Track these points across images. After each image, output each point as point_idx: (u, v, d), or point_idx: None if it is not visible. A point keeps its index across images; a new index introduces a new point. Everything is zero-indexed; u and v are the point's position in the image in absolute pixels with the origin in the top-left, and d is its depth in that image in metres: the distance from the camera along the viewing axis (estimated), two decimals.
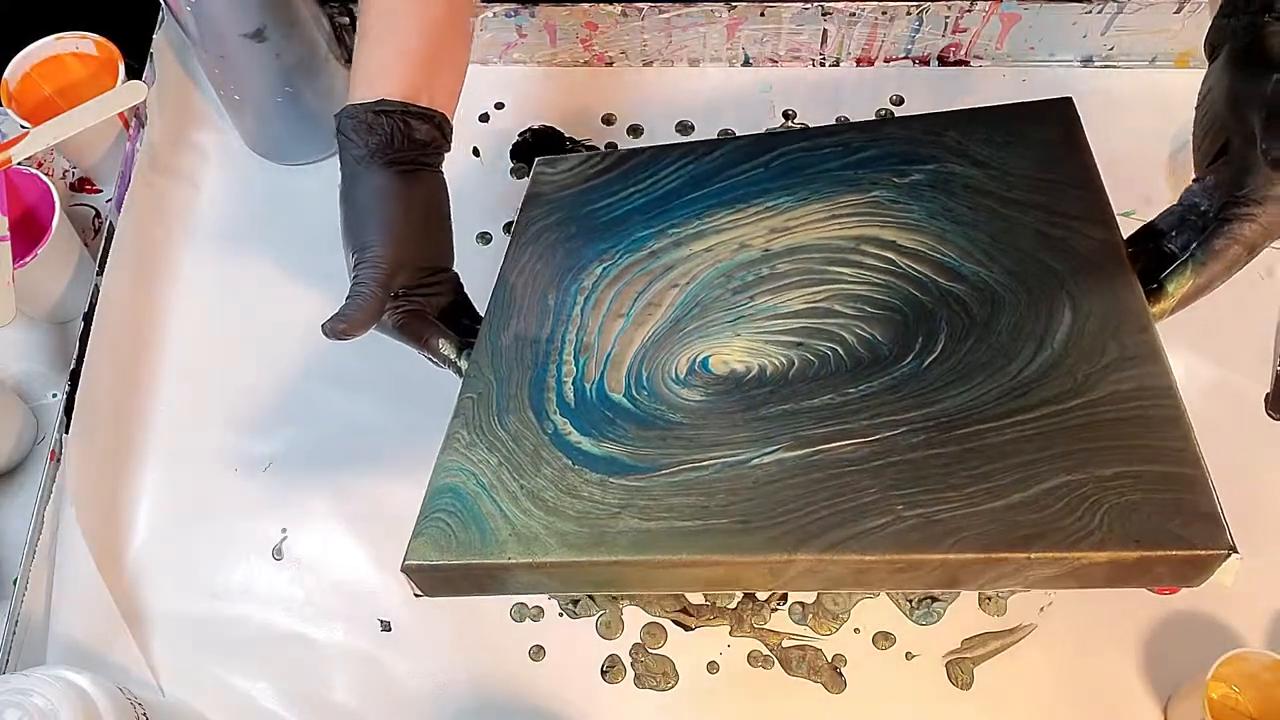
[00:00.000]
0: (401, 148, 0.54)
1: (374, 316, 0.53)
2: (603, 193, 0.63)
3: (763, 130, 0.76)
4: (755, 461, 0.46)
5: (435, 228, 0.57)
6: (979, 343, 0.48)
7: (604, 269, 0.58)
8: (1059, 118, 0.58)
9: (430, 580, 0.48)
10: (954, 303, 0.50)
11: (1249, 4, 0.49)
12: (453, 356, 0.57)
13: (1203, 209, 0.50)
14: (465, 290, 0.59)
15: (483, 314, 0.59)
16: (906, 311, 0.51)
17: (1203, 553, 0.40)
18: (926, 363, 0.48)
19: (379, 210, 0.54)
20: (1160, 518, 0.41)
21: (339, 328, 0.52)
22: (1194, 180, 0.52)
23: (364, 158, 0.54)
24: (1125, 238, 0.53)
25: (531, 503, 0.48)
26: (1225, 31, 0.50)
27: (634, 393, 0.51)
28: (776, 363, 0.50)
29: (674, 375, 0.51)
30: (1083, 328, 0.48)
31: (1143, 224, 0.53)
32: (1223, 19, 0.51)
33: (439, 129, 0.56)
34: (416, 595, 0.49)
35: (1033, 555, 0.41)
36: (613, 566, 0.45)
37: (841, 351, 0.50)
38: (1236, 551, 0.40)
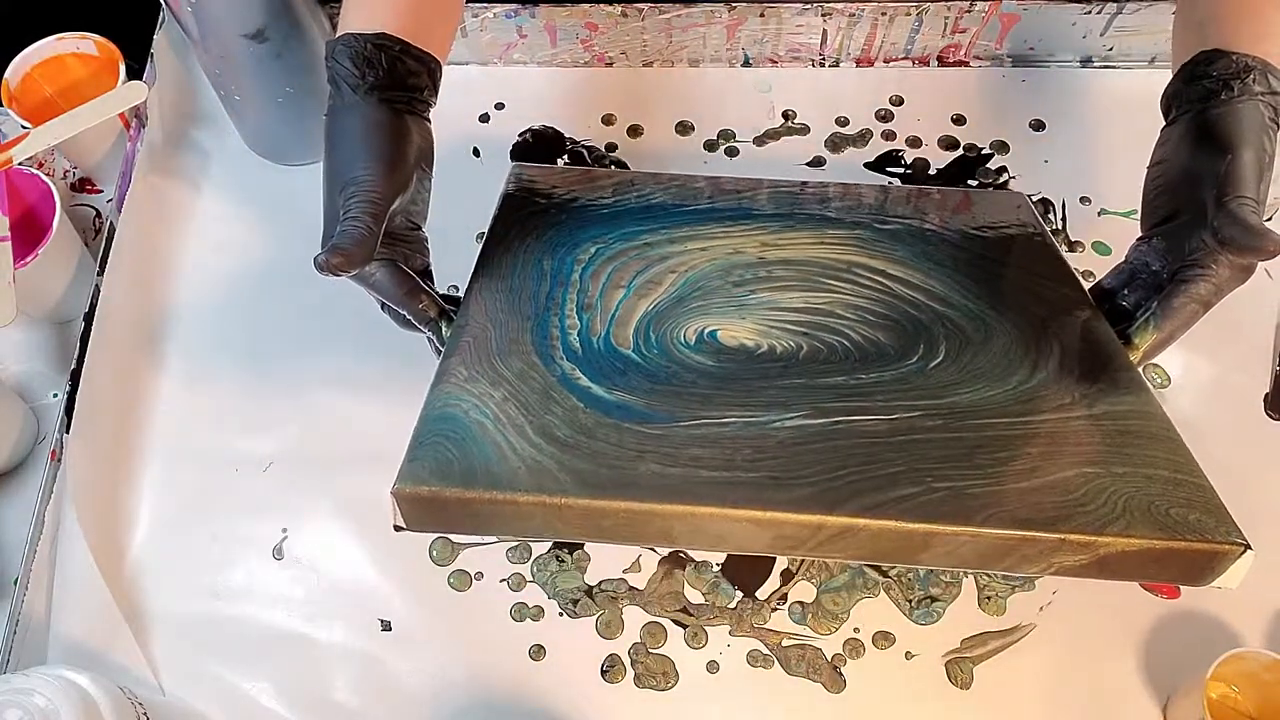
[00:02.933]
0: (400, 87, 0.52)
1: (369, 252, 0.49)
2: (590, 195, 0.63)
3: (761, 131, 0.77)
4: (776, 424, 0.46)
5: (423, 178, 0.54)
6: (977, 357, 0.51)
7: (598, 249, 0.57)
8: (1015, 200, 0.64)
9: (420, 511, 0.43)
10: (948, 323, 0.53)
11: (1204, 76, 0.52)
12: (434, 315, 0.54)
13: (1154, 269, 0.54)
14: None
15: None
16: (905, 324, 0.53)
17: (1222, 547, 0.42)
18: (931, 365, 0.50)
19: (375, 143, 0.50)
20: (1180, 512, 0.43)
21: (334, 260, 0.47)
22: (1140, 239, 0.55)
23: (362, 89, 0.51)
24: None
25: (542, 438, 0.44)
26: (1181, 98, 0.53)
27: (643, 350, 0.50)
28: (787, 345, 0.51)
29: (683, 340, 0.51)
30: (1073, 359, 0.50)
31: (1093, 283, 0.57)
32: (1179, 85, 0.54)
33: (431, 77, 0.54)
34: (397, 529, 0.44)
35: (1066, 537, 0.41)
36: (632, 514, 0.42)
37: (849, 344, 0.51)
38: (1250, 549, 0.42)
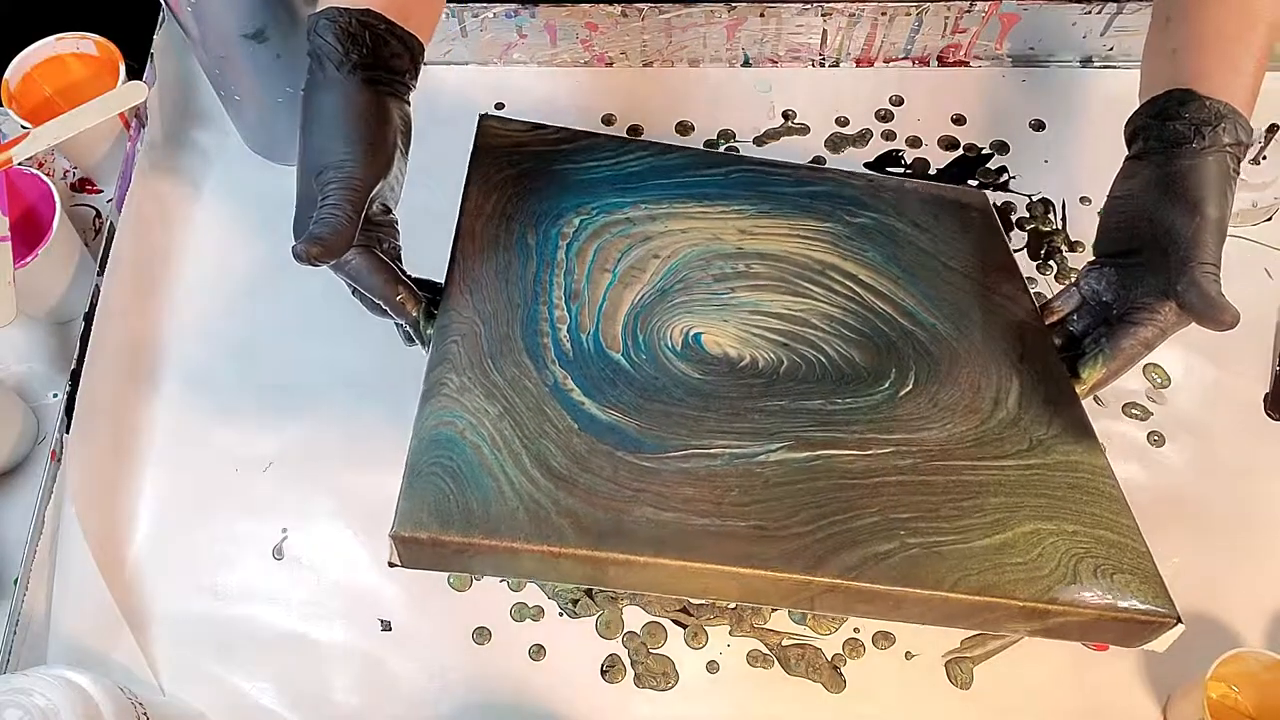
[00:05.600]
0: (383, 67, 0.51)
1: (349, 241, 0.47)
2: (567, 158, 0.61)
3: (761, 131, 0.77)
4: (762, 457, 0.48)
5: (401, 161, 0.53)
6: (944, 389, 0.53)
7: (582, 221, 0.57)
8: (980, 203, 0.67)
9: (417, 552, 0.43)
10: (917, 345, 0.55)
11: (1175, 118, 0.52)
12: (414, 313, 0.53)
13: (1105, 300, 0.56)
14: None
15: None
16: (877, 342, 0.54)
17: (1157, 619, 0.46)
18: (901, 394, 0.52)
19: (357, 126, 0.49)
20: (1122, 579, 0.47)
21: (314, 250, 0.46)
22: (1092, 264, 0.57)
23: (345, 66, 0.49)
24: None
25: (538, 469, 0.44)
26: (1150, 135, 0.54)
27: (632, 355, 0.51)
28: (768, 357, 0.52)
29: (670, 345, 0.52)
30: (1030, 399, 0.54)
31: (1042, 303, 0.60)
32: (1147, 119, 0.54)
33: (414, 60, 0.53)
34: (392, 565, 0.44)
35: (1024, 604, 0.45)
36: (626, 564, 0.43)
37: (825, 361, 0.53)
38: (1181, 621, 0.46)
